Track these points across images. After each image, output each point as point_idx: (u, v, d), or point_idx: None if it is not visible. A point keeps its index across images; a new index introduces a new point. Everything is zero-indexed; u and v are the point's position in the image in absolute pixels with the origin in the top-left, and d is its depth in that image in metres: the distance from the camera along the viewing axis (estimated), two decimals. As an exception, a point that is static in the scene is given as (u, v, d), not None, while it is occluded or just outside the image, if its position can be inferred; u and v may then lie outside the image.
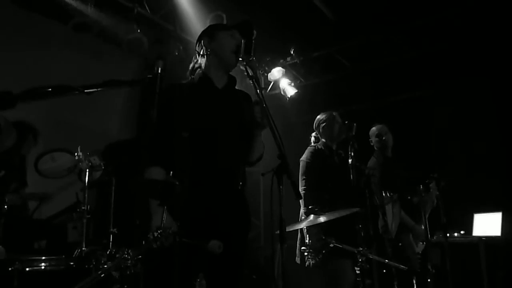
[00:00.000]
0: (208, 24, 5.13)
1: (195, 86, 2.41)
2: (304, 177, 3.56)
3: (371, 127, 4.41)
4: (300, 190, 3.52)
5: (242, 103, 2.46)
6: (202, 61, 2.50)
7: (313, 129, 3.90)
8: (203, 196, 2.19)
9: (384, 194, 4.09)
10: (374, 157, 4.27)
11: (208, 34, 2.51)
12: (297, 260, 3.53)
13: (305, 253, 2.99)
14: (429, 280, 3.36)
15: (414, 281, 3.70)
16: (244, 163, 2.45)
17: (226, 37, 2.44)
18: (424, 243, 3.91)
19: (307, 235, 3.24)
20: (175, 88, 2.36)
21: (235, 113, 2.41)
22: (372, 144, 4.37)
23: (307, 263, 3.36)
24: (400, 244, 3.83)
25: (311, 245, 3.03)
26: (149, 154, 2.28)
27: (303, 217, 3.25)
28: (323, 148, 3.71)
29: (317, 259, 3.01)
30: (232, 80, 2.53)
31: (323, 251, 2.96)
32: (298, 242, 3.58)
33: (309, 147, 3.79)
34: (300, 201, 3.51)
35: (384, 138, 4.25)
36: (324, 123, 3.77)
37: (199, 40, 2.54)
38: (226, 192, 2.31)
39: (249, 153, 2.45)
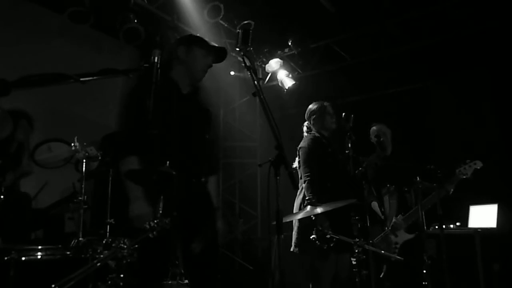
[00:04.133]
0: (204, 15, 5.13)
1: (163, 88, 2.46)
2: (307, 164, 3.55)
3: (370, 121, 4.44)
4: (303, 177, 3.53)
5: (205, 110, 2.68)
6: (173, 64, 2.60)
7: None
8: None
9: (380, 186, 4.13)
10: (375, 153, 4.33)
11: (186, 44, 2.60)
12: (295, 250, 3.53)
13: (316, 242, 3.02)
14: (424, 271, 3.38)
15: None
16: (204, 161, 2.60)
17: (201, 57, 2.57)
18: (407, 232, 3.97)
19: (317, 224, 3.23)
20: (144, 88, 2.45)
21: (197, 117, 2.60)
22: (372, 141, 4.41)
23: (307, 252, 3.39)
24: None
25: (318, 233, 3.06)
26: (126, 145, 2.42)
27: (307, 205, 3.25)
28: (319, 136, 3.71)
29: (324, 248, 3.03)
30: (196, 88, 2.67)
31: (331, 242, 2.99)
32: (295, 230, 3.58)
33: (307, 135, 3.79)
34: (303, 187, 3.51)
35: (382, 139, 4.26)
36: (315, 114, 3.77)
37: (177, 44, 2.63)
38: (191, 185, 2.45)
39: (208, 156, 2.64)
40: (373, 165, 4.21)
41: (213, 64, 2.64)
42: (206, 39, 2.76)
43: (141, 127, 2.30)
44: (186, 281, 1.86)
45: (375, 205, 4.05)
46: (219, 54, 2.65)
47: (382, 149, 4.29)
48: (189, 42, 2.62)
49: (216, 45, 2.74)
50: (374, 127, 4.37)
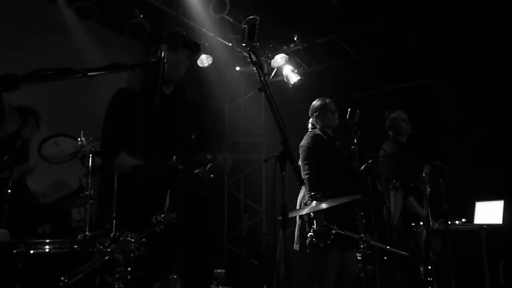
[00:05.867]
0: (210, 10, 5.12)
1: (145, 90, 2.46)
2: (307, 162, 3.55)
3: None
4: (303, 175, 3.53)
5: (189, 111, 2.57)
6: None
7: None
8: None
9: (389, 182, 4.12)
10: (389, 141, 4.32)
11: (169, 44, 2.48)
12: (296, 247, 3.53)
13: (313, 239, 3.02)
14: (430, 267, 3.38)
15: (421, 268, 3.73)
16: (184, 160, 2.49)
17: (170, 54, 2.41)
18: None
19: (314, 221, 3.23)
20: (125, 93, 2.53)
21: (180, 118, 2.51)
22: (388, 128, 4.40)
23: (308, 250, 3.38)
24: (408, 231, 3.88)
25: (317, 231, 3.05)
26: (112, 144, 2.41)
27: (308, 202, 3.25)
28: (321, 134, 3.71)
29: (322, 245, 3.02)
30: (179, 88, 2.59)
31: (328, 239, 2.98)
32: (297, 228, 3.58)
33: (308, 133, 3.79)
34: (304, 186, 3.52)
35: (401, 129, 4.33)
36: (317, 112, 3.75)
37: (158, 42, 2.54)
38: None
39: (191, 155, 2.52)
40: (380, 160, 4.20)
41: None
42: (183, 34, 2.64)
43: (126, 128, 2.33)
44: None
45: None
46: (191, 47, 2.53)
47: (402, 135, 4.28)
48: (173, 42, 2.52)
49: (186, 39, 2.62)
50: (400, 112, 4.40)
